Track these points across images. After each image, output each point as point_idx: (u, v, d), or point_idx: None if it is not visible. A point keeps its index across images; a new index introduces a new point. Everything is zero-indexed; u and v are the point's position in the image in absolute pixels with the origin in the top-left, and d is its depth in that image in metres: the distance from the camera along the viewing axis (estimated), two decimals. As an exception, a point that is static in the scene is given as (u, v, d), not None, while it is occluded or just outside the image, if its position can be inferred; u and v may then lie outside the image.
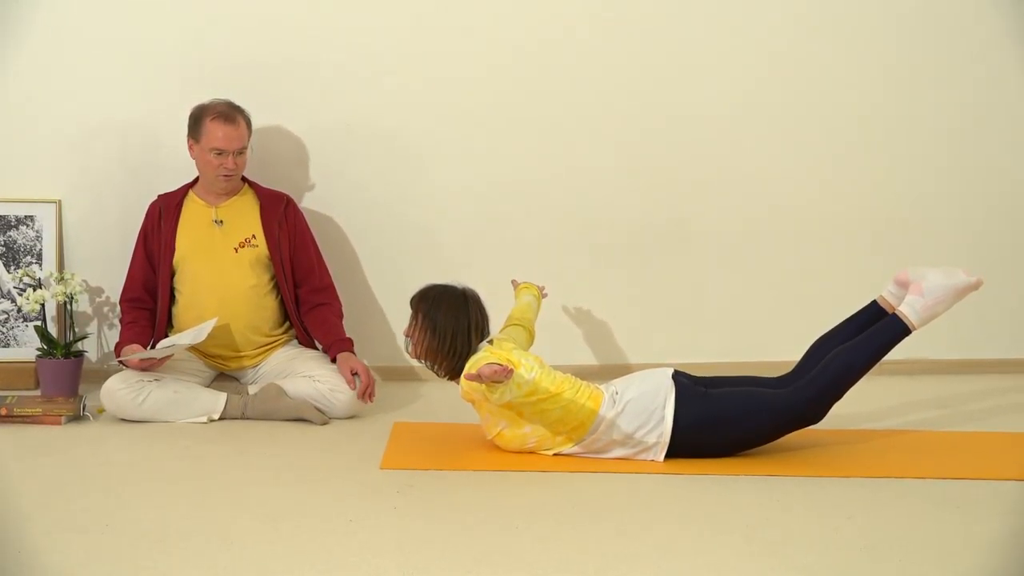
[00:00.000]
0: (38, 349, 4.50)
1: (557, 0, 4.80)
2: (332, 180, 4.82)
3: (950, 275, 3.80)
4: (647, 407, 3.68)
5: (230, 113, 4.35)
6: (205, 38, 4.70)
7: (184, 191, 4.49)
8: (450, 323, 3.73)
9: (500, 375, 3.42)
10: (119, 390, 4.15)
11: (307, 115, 4.78)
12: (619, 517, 3.21)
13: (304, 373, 4.30)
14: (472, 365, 3.59)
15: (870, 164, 5.00)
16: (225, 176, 4.37)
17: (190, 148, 4.41)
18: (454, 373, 3.76)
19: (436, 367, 3.79)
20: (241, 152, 4.37)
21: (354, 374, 4.24)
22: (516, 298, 4.30)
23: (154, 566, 2.84)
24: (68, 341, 4.49)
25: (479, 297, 3.83)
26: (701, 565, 2.88)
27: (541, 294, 4.34)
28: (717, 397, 3.71)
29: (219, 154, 4.33)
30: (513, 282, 4.39)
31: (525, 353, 3.80)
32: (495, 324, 3.92)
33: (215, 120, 4.32)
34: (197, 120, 4.36)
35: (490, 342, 3.79)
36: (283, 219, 4.47)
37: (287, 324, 4.52)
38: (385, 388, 4.62)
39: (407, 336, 3.81)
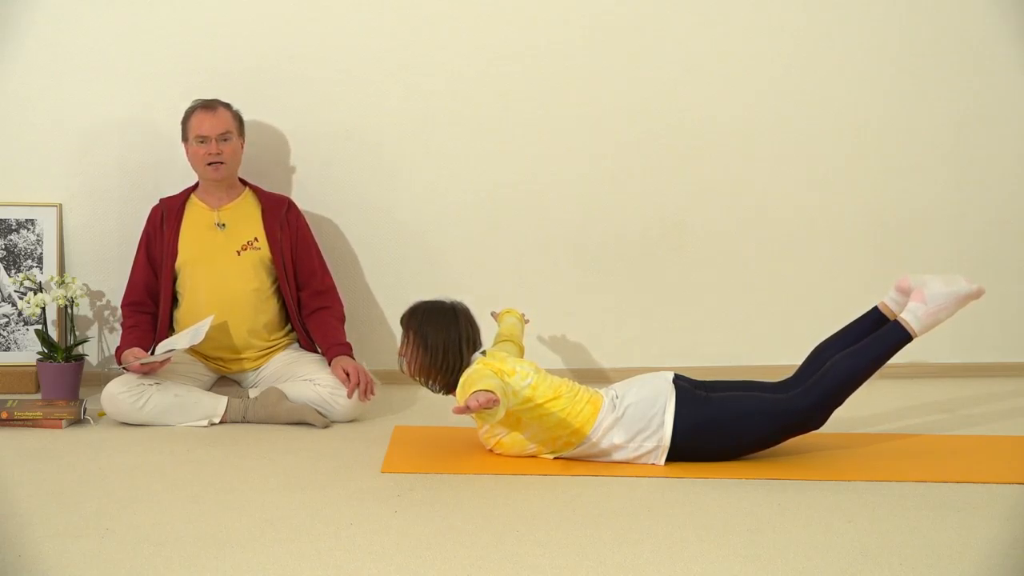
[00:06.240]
0: (39, 353, 4.51)
1: (554, 6, 4.81)
2: (332, 185, 4.82)
3: (951, 283, 3.80)
4: (647, 411, 3.68)
5: (208, 103, 4.42)
6: (205, 43, 4.71)
7: (186, 195, 4.50)
8: (441, 338, 3.72)
9: (488, 403, 3.38)
10: (120, 394, 4.15)
11: (306, 119, 4.78)
12: (619, 521, 3.21)
13: (305, 377, 4.30)
14: (464, 380, 3.58)
15: (869, 170, 5.00)
16: (212, 165, 4.37)
17: (185, 151, 4.44)
18: (450, 388, 3.76)
19: (431, 383, 3.78)
20: (225, 138, 4.38)
21: (347, 374, 4.25)
22: (499, 322, 4.30)
23: (154, 571, 2.84)
24: (69, 345, 4.49)
25: (468, 310, 3.83)
26: (701, 569, 2.88)
27: (523, 319, 4.34)
28: (718, 402, 3.71)
29: (202, 142, 4.36)
30: (493, 313, 4.37)
31: (519, 360, 3.79)
32: (486, 336, 3.92)
33: (195, 112, 4.41)
34: (184, 121, 4.44)
35: (483, 353, 3.79)
36: (285, 222, 4.48)
37: (288, 327, 4.52)
38: (386, 392, 4.62)
39: (401, 355, 3.81)
